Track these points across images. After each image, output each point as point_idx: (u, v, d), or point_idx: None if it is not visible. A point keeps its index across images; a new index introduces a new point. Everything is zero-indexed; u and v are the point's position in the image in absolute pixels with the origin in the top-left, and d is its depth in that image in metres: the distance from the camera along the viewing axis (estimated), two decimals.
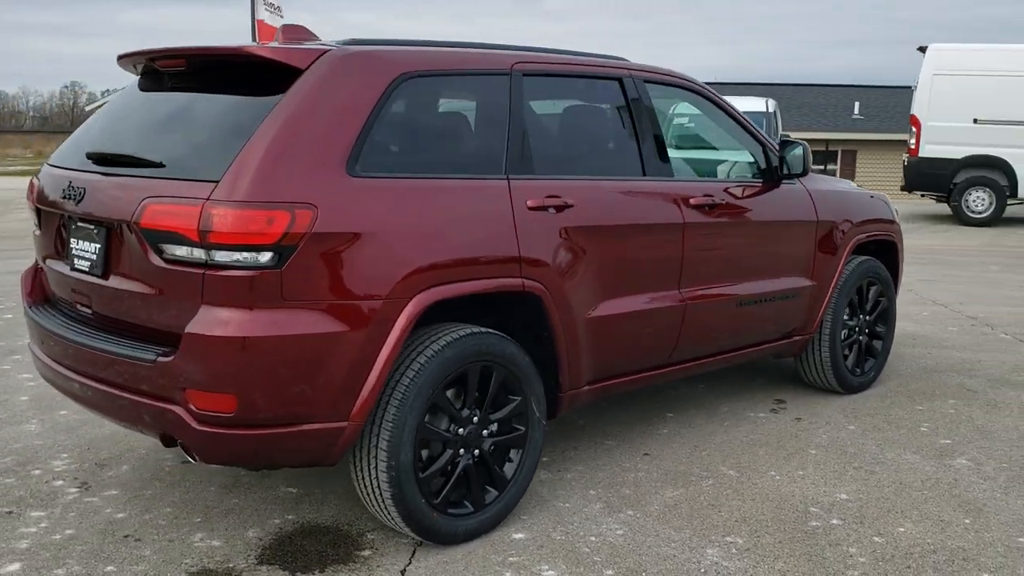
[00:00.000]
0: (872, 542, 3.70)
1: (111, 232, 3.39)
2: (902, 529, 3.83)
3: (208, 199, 3.03)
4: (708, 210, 4.52)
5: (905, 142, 17.51)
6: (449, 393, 3.52)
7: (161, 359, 3.13)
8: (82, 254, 3.52)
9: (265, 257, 3.04)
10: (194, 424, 3.12)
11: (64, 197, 3.53)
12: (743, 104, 16.80)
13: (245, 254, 3.03)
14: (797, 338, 5.33)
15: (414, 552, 3.56)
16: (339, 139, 3.24)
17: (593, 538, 3.69)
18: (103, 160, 3.48)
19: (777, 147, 4.99)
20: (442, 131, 3.74)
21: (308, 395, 3.16)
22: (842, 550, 3.62)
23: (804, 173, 4.94)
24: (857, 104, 34.05)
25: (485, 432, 3.63)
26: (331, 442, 3.23)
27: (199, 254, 3.06)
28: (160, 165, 3.26)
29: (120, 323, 3.39)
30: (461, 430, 3.55)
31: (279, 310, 3.08)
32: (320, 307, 3.14)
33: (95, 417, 4.95)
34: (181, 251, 3.10)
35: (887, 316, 5.96)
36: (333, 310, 3.16)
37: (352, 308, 3.20)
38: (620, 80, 4.33)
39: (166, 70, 3.64)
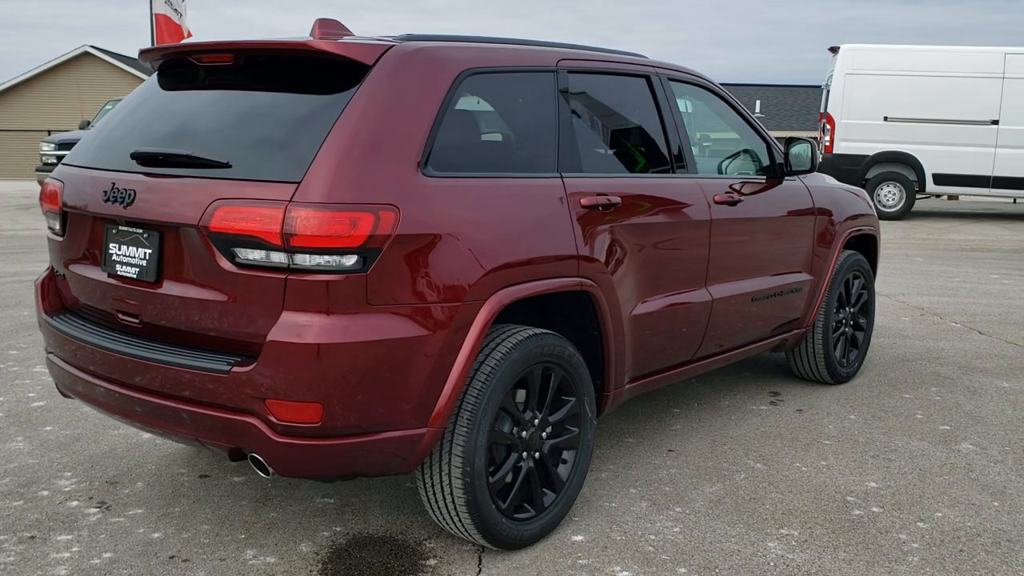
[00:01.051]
0: (917, 528, 3.80)
1: (164, 236, 3.20)
2: (939, 514, 3.94)
3: (291, 201, 2.88)
4: (730, 207, 4.57)
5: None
6: (513, 396, 3.46)
7: (237, 369, 2.97)
8: (127, 260, 3.31)
9: (350, 261, 2.92)
10: (274, 436, 2.97)
11: (106, 200, 3.31)
12: None
13: (330, 258, 2.90)
14: (796, 331, 5.44)
15: (480, 559, 3.48)
16: (413, 138, 3.14)
17: (653, 536, 3.68)
18: (151, 161, 3.28)
19: (782, 145, 5.08)
20: (500, 128, 3.67)
21: (391, 402, 3.05)
22: (893, 537, 3.71)
23: (812, 169, 5.04)
24: (759, 103, 35.11)
25: (543, 434, 3.58)
26: (410, 450, 3.13)
27: (280, 258, 2.92)
28: (226, 165, 3.09)
29: (176, 332, 3.20)
30: (524, 433, 3.49)
31: (364, 315, 2.97)
32: (403, 311, 3.04)
33: (85, 432, 4.73)
34: (258, 255, 2.95)
35: (868, 308, 6.14)
36: (415, 314, 3.06)
37: (433, 311, 3.10)
38: (648, 78, 4.33)
39: (207, 65, 3.46)
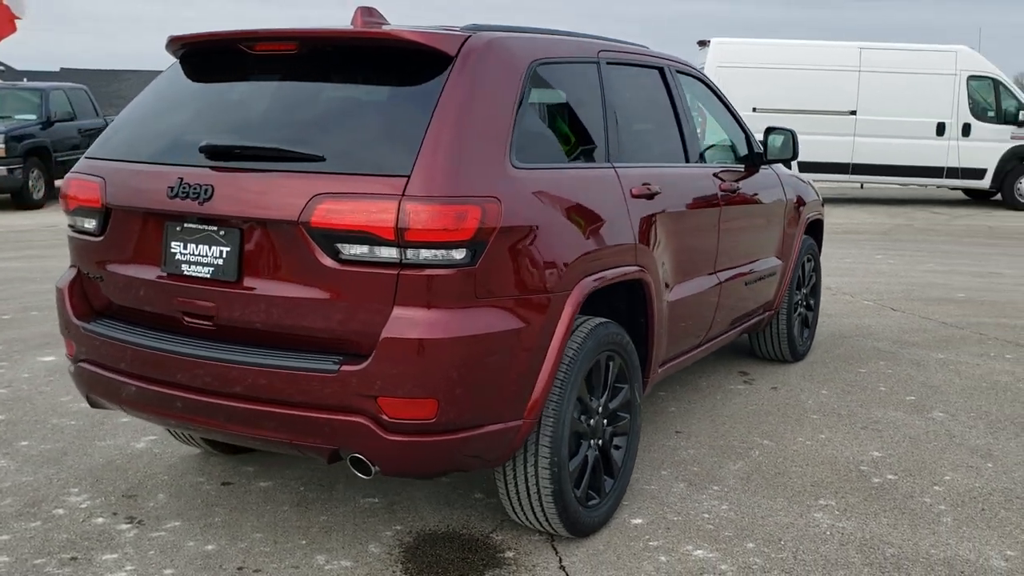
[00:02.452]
0: (936, 491, 4.07)
1: (245, 233, 3.04)
2: (948, 478, 4.23)
3: (403, 195, 2.81)
4: (732, 194, 4.74)
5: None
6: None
7: (346, 368, 2.87)
8: (197, 259, 3.12)
9: (461, 254, 2.87)
10: (385, 435, 2.89)
11: (172, 196, 3.10)
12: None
13: (442, 251, 2.85)
14: (768, 313, 5.68)
15: (554, 548, 3.50)
16: (502, 129, 3.12)
17: (706, 515, 3.79)
18: (225, 154, 3.10)
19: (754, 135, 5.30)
20: (562, 119, 3.67)
21: (497, 395, 3.03)
22: (919, 501, 3.96)
23: (794, 157, 5.28)
24: None
25: (604, 422, 3.63)
26: (508, 442, 3.11)
27: (390, 253, 2.84)
28: (319, 159, 2.97)
29: (258, 333, 3.05)
30: (591, 421, 3.53)
31: (474, 309, 2.93)
32: (506, 304, 3.02)
33: (68, 446, 4.48)
34: (366, 251, 2.85)
35: (817, 289, 6.48)
36: (516, 306, 3.05)
37: (531, 303, 3.10)
38: (661, 70, 4.43)
39: (263, 54, 3.30)
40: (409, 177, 2.84)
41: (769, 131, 5.26)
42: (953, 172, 17.36)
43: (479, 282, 2.92)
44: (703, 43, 18.04)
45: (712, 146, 5.22)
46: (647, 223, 3.80)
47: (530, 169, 3.20)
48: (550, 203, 3.22)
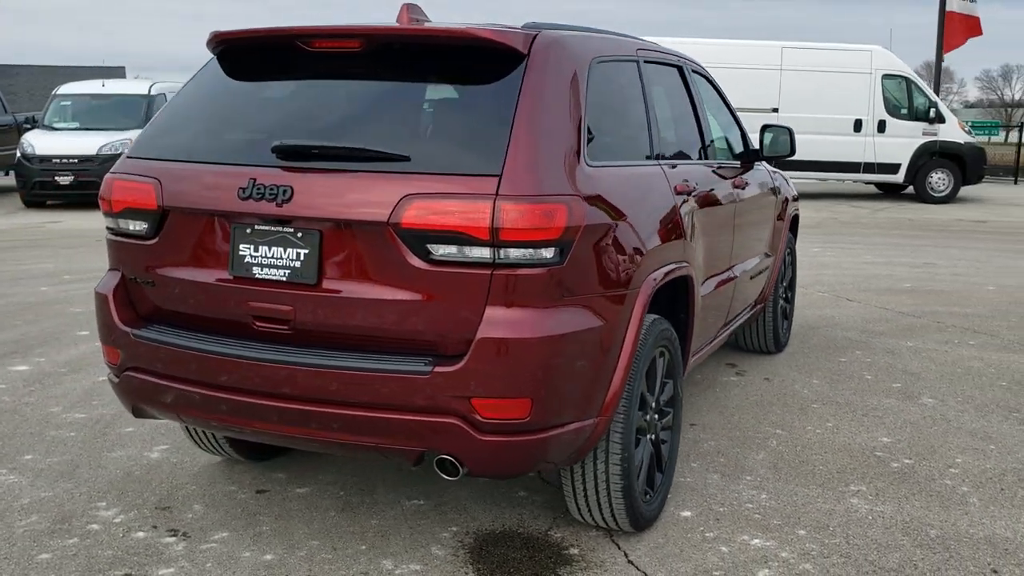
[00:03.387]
0: (953, 474, 4.25)
1: (325, 234, 2.97)
2: (960, 460, 4.42)
3: (497, 194, 2.79)
4: (741, 190, 4.84)
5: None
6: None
7: (440, 369, 2.84)
8: (271, 262, 3.03)
9: (550, 253, 2.87)
10: (478, 435, 2.87)
11: (245, 197, 3.00)
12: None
13: (533, 251, 2.84)
14: (759, 306, 5.83)
15: (615, 543, 3.52)
16: (576, 127, 3.12)
17: (749, 505, 3.88)
18: (301, 155, 3.01)
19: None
20: (617, 117, 3.68)
21: (581, 393, 3.04)
22: (941, 484, 4.13)
23: (791, 154, 5.41)
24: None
25: (657, 416, 3.67)
26: (586, 440, 3.12)
27: (483, 253, 2.81)
28: (404, 159, 2.92)
29: (339, 336, 2.99)
30: (648, 417, 3.57)
31: (563, 307, 2.93)
32: (589, 302, 3.03)
33: (77, 458, 4.33)
34: (458, 251, 2.82)
35: (793, 282, 6.67)
36: (597, 304, 3.06)
37: (608, 300, 3.12)
38: (681, 68, 4.50)
39: (322, 51, 3.22)
40: (500, 177, 2.82)
41: (765, 128, 5.38)
42: (870, 167, 18.03)
43: (565, 281, 2.93)
44: None
45: (712, 142, 5.32)
46: (688, 219, 3.86)
47: (600, 167, 3.21)
48: (619, 201, 3.24)
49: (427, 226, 2.82)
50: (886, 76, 17.81)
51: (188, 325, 3.25)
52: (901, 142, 17.87)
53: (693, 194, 3.97)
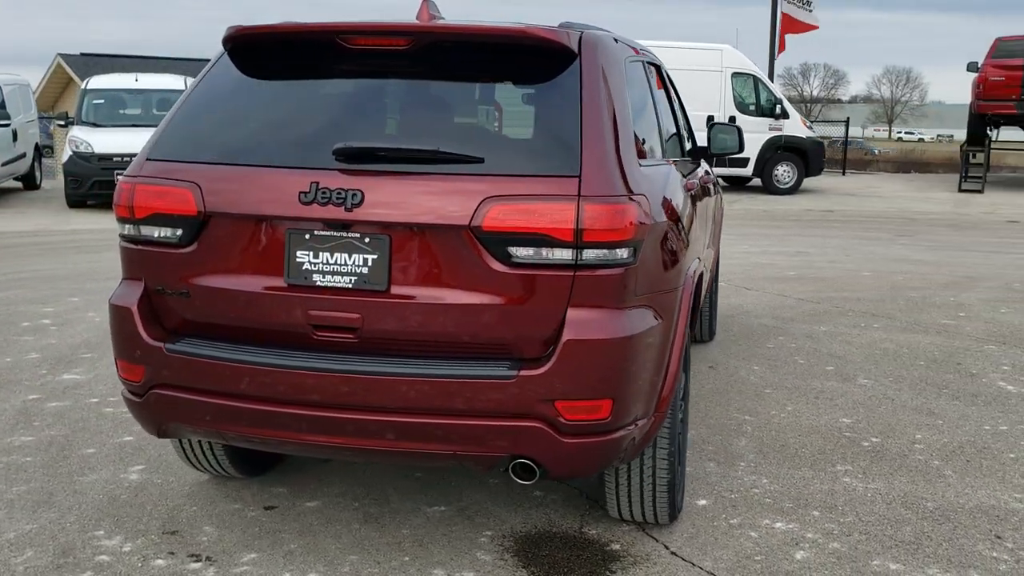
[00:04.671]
0: (921, 449, 4.55)
1: (395, 239, 2.87)
2: (919, 435, 4.74)
3: (580, 196, 2.78)
4: (710, 187, 5.01)
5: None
6: None
7: (525, 372, 2.80)
8: (336, 268, 2.90)
9: (625, 253, 2.89)
10: (561, 437, 2.86)
11: (308, 202, 2.85)
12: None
13: (611, 251, 2.85)
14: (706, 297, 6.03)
15: (651, 536, 3.58)
16: (627, 126, 3.15)
17: (756, 490, 4.02)
18: (369, 157, 2.89)
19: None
20: (643, 116, 3.71)
21: (647, 390, 3.07)
22: (916, 459, 4.41)
23: (740, 151, 5.61)
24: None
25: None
26: (645, 436, 3.16)
27: (565, 254, 2.80)
28: (478, 160, 2.85)
29: (415, 342, 2.90)
30: (684, 410, 3.65)
31: (636, 307, 2.96)
32: (651, 300, 3.07)
33: (49, 486, 4.04)
34: (540, 253, 2.80)
35: (717, 273, 6.94)
36: (657, 301, 3.10)
37: (665, 298, 3.17)
38: (659, 67, 4.59)
39: (368, 48, 3.10)
40: (580, 177, 2.82)
41: (713, 126, 5.57)
42: (722, 161, 18.88)
43: (637, 280, 2.96)
44: None
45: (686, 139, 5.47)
46: (694, 215, 3.97)
47: (647, 167, 3.26)
48: (664, 199, 3.30)
49: (509, 228, 2.78)
50: (735, 74, 18.69)
51: (229, 337, 3.07)
52: (750, 137, 18.66)
53: (692, 192, 4.09)
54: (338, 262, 2.91)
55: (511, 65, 3.13)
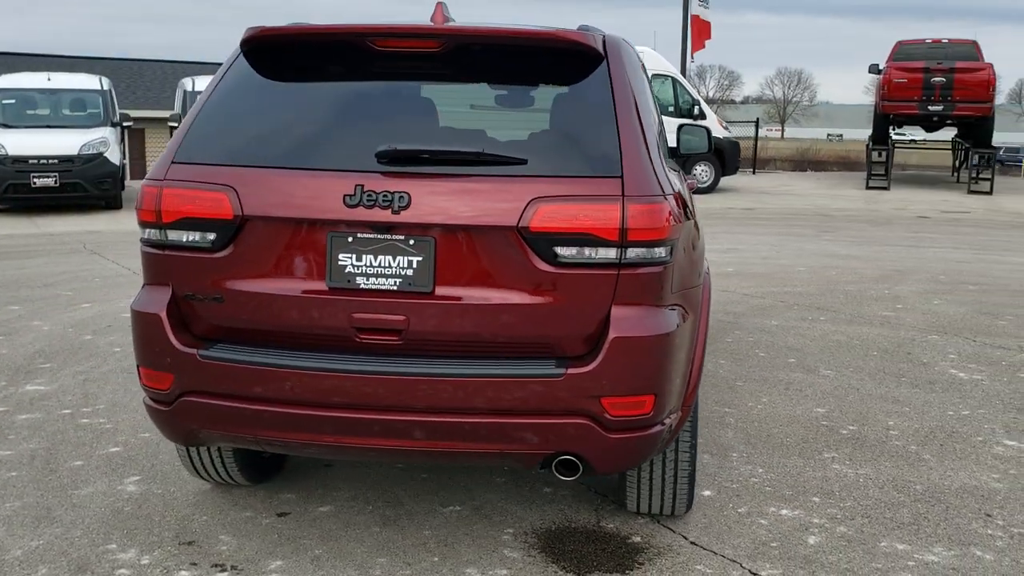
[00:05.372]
0: (896, 436, 4.76)
1: (439, 240, 2.88)
2: (891, 423, 4.97)
3: (623, 196, 2.85)
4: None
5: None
6: None
7: (573, 370, 2.85)
8: (380, 271, 2.89)
9: (663, 251, 2.96)
10: (607, 433, 2.92)
11: (354, 204, 2.84)
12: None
13: (650, 250, 2.92)
14: None
15: (669, 528, 3.67)
16: (652, 126, 3.23)
17: (754, 480, 4.16)
18: (413, 159, 2.89)
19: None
20: (652, 117, 3.79)
21: (680, 385, 3.15)
22: (895, 445, 4.62)
23: (710, 150, 5.75)
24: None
25: None
26: (673, 430, 3.25)
27: (610, 254, 2.86)
28: (522, 161, 2.89)
29: (460, 343, 2.91)
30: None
31: (671, 304, 3.04)
32: (682, 297, 3.15)
33: (45, 501, 3.95)
34: (585, 252, 2.85)
35: None
36: (686, 298, 3.19)
37: (692, 295, 3.26)
38: (645, 69, 4.69)
39: (397, 51, 3.10)
40: (622, 178, 2.88)
41: (681, 127, 5.71)
42: None
43: (672, 278, 3.04)
44: None
45: None
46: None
47: (667, 166, 3.34)
48: (686, 199, 3.40)
49: (556, 229, 2.83)
50: (655, 76, 19.05)
51: (265, 342, 3.03)
52: (669, 138, 19.21)
53: (692, 191, 4.20)
54: (382, 264, 2.91)
55: (541, 67, 3.17)
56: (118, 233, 12.61)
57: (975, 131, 20.31)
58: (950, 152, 24.88)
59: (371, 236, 2.91)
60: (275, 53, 3.25)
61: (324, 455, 3.33)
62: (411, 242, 2.90)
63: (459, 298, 2.91)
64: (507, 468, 4.16)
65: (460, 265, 2.91)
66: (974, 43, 20.98)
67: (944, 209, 16.91)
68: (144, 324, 3.09)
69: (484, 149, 2.92)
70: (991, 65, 19.42)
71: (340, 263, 2.93)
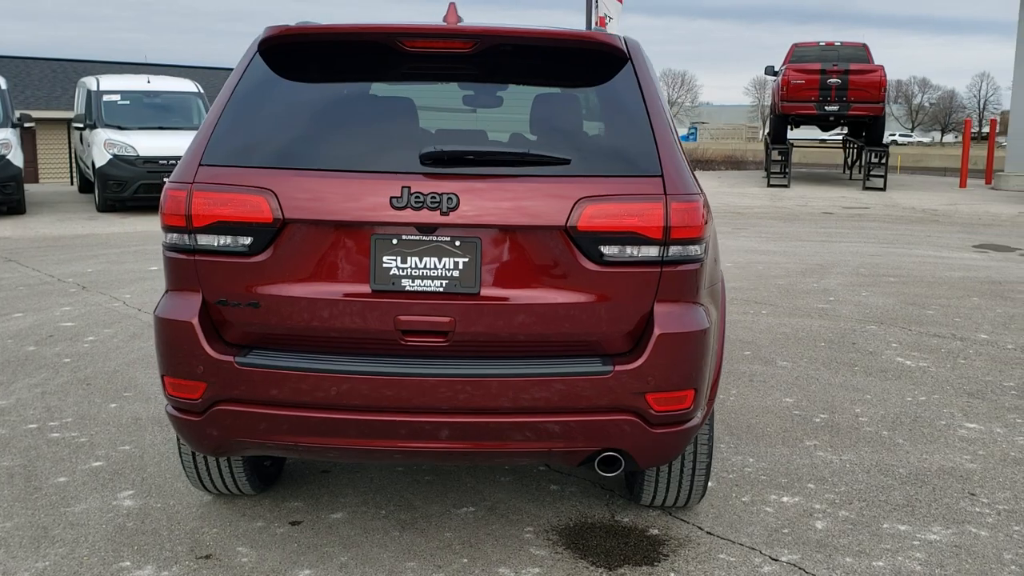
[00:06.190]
0: (865, 422, 4.98)
1: (485, 241, 2.88)
2: (857, 410, 5.18)
3: (666, 194, 2.91)
4: None
5: None
6: None
7: (620, 367, 2.90)
8: (425, 272, 2.87)
9: (699, 249, 3.04)
10: (651, 429, 2.97)
11: (404, 206, 2.81)
12: None
13: (689, 247, 2.99)
14: None
15: (682, 519, 3.76)
16: (675, 127, 3.30)
17: (748, 469, 4.29)
18: (458, 160, 2.87)
19: None
20: None
21: (710, 379, 3.23)
22: (867, 431, 4.83)
23: None
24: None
25: None
26: (702, 424, 3.32)
27: (653, 252, 2.92)
28: (565, 162, 2.91)
29: (505, 343, 2.92)
30: None
31: (703, 300, 3.11)
32: (711, 294, 3.23)
33: (36, 519, 3.71)
34: (630, 251, 2.90)
35: None
36: (712, 295, 3.27)
37: (717, 292, 3.34)
38: None
39: (427, 51, 3.08)
40: (662, 177, 2.94)
41: None
42: None
43: (705, 275, 3.12)
44: None
45: None
46: None
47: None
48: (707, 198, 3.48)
49: (603, 228, 2.87)
50: None
51: (303, 347, 2.97)
52: None
53: None
54: (427, 266, 2.90)
55: (572, 68, 3.20)
56: (31, 239, 12.04)
57: (868, 130, 21.23)
58: (840, 150, 25.95)
59: (416, 238, 2.90)
60: (299, 53, 3.19)
61: (363, 459, 3.29)
62: (457, 243, 2.90)
63: (505, 298, 2.92)
64: (508, 467, 4.19)
65: (505, 265, 2.93)
66: (864, 46, 21.92)
67: (844, 205, 17.62)
68: (173, 332, 3.00)
69: (529, 150, 2.94)
70: (882, 67, 20.33)
71: (384, 265, 2.90)
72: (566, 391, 2.90)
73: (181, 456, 3.63)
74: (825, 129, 22.93)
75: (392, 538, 3.56)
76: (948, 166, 33.26)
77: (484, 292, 2.92)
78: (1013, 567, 3.39)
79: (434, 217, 2.85)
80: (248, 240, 2.93)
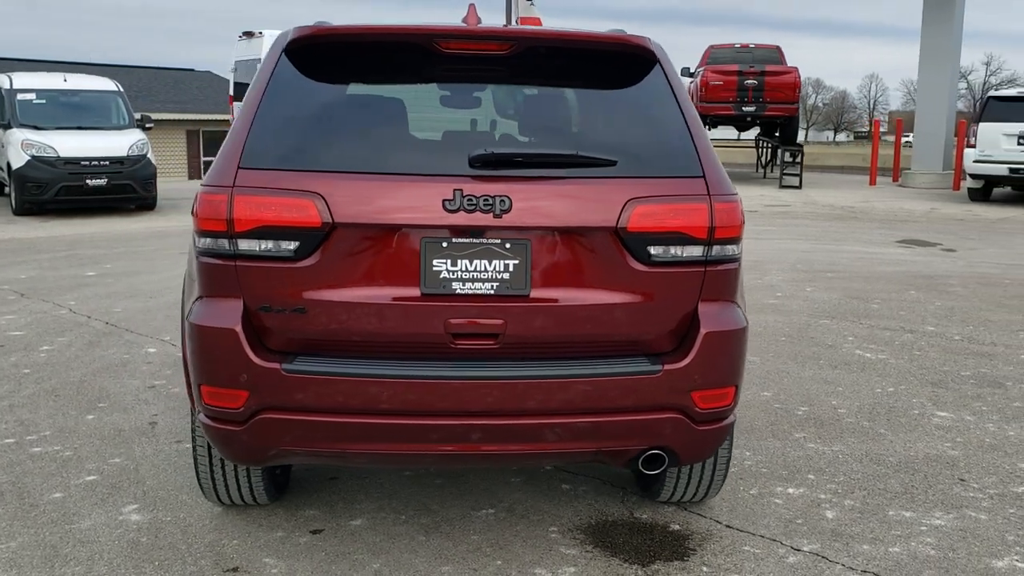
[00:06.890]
0: (845, 413, 5.15)
1: (534, 243, 2.88)
2: (834, 402, 5.36)
3: (710, 195, 2.96)
4: None
5: None
6: None
7: (668, 366, 2.94)
8: (476, 275, 2.86)
9: (736, 248, 3.11)
10: (696, 426, 3.03)
11: (456, 209, 2.79)
12: None
13: (728, 247, 3.06)
14: None
15: (698, 514, 3.83)
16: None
17: (748, 462, 4.40)
18: (508, 163, 2.87)
19: None
20: None
21: (743, 376, 3.30)
22: (849, 422, 5.00)
23: None
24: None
25: None
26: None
27: (697, 251, 2.97)
28: (611, 163, 2.94)
29: (555, 344, 2.93)
30: None
31: (738, 299, 3.18)
32: (740, 294, 3.30)
33: (40, 538, 3.59)
34: (676, 251, 2.95)
35: None
36: (742, 295, 3.34)
37: (742, 291, 3.41)
38: None
39: (463, 53, 3.06)
40: (704, 178, 3.00)
41: None
42: None
43: (741, 274, 3.19)
44: (249, 34, 17.71)
45: None
46: None
47: None
48: None
49: (652, 228, 2.92)
50: None
51: (350, 352, 2.93)
52: None
53: None
54: (478, 269, 2.89)
55: (603, 69, 3.23)
56: None
57: (782, 130, 21.85)
58: (753, 149, 26.64)
59: (467, 241, 2.89)
60: (329, 54, 3.14)
61: (412, 464, 3.27)
62: (507, 245, 2.90)
63: (555, 300, 2.94)
64: (517, 468, 4.19)
65: (554, 267, 2.94)
66: (778, 48, 22.57)
67: (766, 203, 18.10)
68: (213, 340, 2.92)
69: (576, 151, 2.96)
70: (796, 68, 20.96)
71: (435, 269, 2.89)
72: (616, 391, 2.94)
73: (196, 467, 3.53)
74: (741, 129, 23.50)
75: (419, 543, 3.53)
76: (846, 164, 34.51)
77: (534, 294, 2.93)
78: (1019, 548, 3.56)
79: (486, 219, 2.85)
80: (294, 245, 2.87)
